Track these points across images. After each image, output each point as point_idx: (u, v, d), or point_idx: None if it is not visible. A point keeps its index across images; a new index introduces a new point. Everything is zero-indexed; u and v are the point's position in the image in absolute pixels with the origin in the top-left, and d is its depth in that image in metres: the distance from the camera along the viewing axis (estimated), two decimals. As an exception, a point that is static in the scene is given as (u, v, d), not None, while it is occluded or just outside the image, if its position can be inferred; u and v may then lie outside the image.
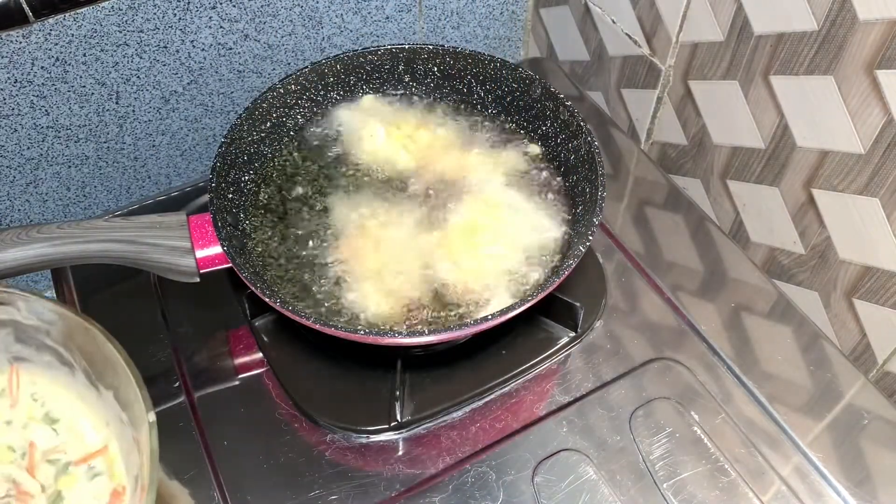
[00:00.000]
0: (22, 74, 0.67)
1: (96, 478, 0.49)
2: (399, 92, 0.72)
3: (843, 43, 0.56)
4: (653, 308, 0.65)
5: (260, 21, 0.76)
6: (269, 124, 0.67)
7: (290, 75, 0.68)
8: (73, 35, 0.67)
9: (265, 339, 0.62)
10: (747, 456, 0.56)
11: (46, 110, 0.71)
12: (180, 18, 0.71)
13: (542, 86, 0.67)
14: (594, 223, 0.57)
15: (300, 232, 0.62)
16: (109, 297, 0.67)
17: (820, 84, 0.60)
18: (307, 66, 0.68)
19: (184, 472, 0.56)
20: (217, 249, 0.57)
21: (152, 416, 0.44)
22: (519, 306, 0.53)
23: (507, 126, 0.70)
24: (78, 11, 0.66)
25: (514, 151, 0.68)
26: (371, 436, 0.58)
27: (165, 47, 0.72)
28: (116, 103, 0.74)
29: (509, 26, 0.94)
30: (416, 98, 0.72)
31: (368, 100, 0.71)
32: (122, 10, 0.68)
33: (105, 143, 0.76)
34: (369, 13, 0.82)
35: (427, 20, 0.87)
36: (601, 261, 0.68)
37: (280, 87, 0.67)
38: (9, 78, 0.67)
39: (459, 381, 0.60)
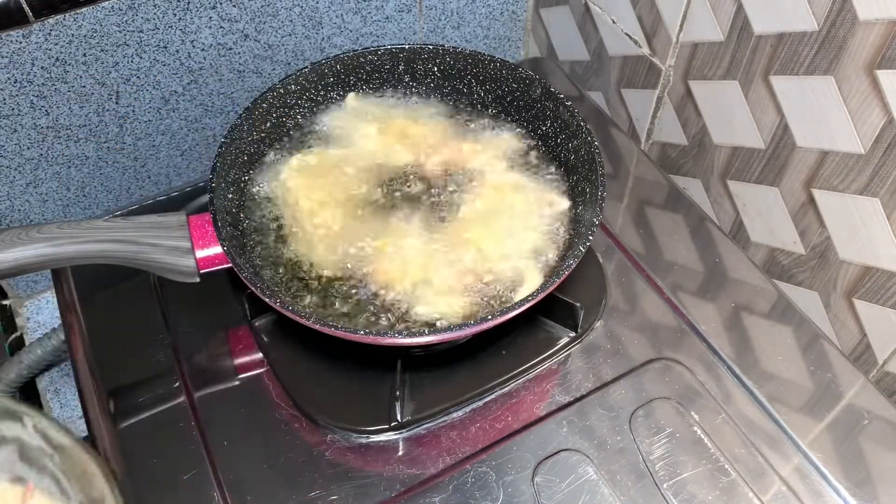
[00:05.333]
0: (22, 74, 0.67)
1: None
2: (400, 92, 0.72)
3: (843, 43, 0.56)
4: (653, 308, 0.65)
5: (260, 21, 0.76)
6: (269, 124, 0.67)
7: (290, 75, 0.68)
8: (73, 35, 0.67)
9: (265, 339, 0.62)
10: (747, 456, 0.56)
11: (46, 110, 0.71)
12: (180, 18, 0.71)
13: (542, 86, 0.67)
14: (594, 223, 0.57)
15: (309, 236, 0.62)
16: (109, 297, 0.67)
17: (820, 84, 0.60)
18: (307, 66, 0.68)
19: (184, 472, 0.56)
20: (217, 249, 0.57)
21: None
22: (519, 306, 0.53)
23: (508, 125, 0.70)
24: (78, 11, 0.66)
25: (513, 140, 0.68)
26: (371, 436, 0.58)
27: (165, 47, 0.72)
28: (116, 103, 0.74)
29: (509, 26, 0.94)
30: (415, 98, 0.72)
31: (351, 98, 0.71)
32: (122, 10, 0.67)
33: (105, 143, 0.76)
34: (369, 13, 0.82)
35: (427, 20, 0.87)
36: (601, 261, 0.68)
37: (280, 87, 0.67)
38: (9, 78, 0.67)
39: (459, 381, 0.60)
